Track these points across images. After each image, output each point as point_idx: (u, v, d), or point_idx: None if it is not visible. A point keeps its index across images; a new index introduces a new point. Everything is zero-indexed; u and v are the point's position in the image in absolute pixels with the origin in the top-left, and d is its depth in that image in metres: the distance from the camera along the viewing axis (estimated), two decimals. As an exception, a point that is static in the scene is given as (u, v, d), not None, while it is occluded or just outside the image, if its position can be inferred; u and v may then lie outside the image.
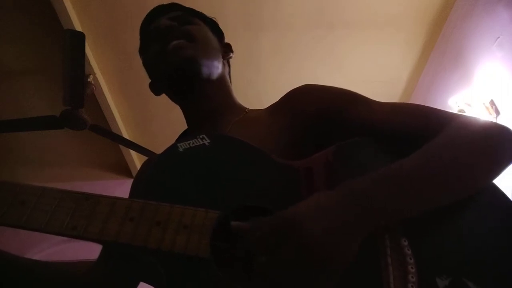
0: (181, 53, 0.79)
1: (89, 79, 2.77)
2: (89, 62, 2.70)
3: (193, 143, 0.64)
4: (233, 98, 0.90)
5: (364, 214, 0.49)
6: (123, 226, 0.52)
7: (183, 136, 0.88)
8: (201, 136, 0.64)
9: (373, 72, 3.04)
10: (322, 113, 0.73)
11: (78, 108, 2.56)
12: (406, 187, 0.53)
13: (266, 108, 0.85)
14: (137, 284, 0.77)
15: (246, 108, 0.88)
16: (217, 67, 0.85)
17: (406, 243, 0.53)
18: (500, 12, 2.19)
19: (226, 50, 0.94)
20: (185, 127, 0.91)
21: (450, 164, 0.56)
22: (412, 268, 0.51)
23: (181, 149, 0.63)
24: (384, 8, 2.64)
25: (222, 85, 0.88)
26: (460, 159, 0.57)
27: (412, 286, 0.49)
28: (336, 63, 2.98)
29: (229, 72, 0.97)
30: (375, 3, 2.61)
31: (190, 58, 0.79)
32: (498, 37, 2.20)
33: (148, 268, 0.56)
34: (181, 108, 0.91)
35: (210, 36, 0.89)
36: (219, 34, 0.95)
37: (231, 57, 0.95)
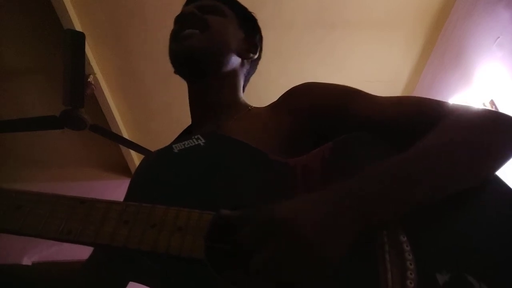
0: (187, 41, 0.81)
1: (89, 79, 2.77)
2: (89, 62, 2.70)
3: (188, 144, 0.64)
4: (238, 96, 0.89)
5: (355, 211, 0.48)
6: (117, 229, 0.52)
7: (184, 133, 0.89)
8: (196, 137, 0.64)
9: (374, 72, 3.04)
10: (321, 109, 0.73)
11: (78, 108, 2.56)
12: (398, 182, 0.51)
13: (268, 105, 0.85)
14: (127, 284, 0.78)
15: (250, 106, 0.88)
16: (225, 61, 0.85)
17: (404, 239, 0.52)
18: (500, 12, 2.19)
19: (250, 49, 0.91)
20: (185, 127, 0.91)
21: (446, 156, 0.55)
22: (410, 264, 0.50)
23: (176, 150, 0.63)
24: (384, 8, 2.63)
25: (230, 81, 0.87)
26: (458, 151, 0.55)
27: (410, 282, 0.48)
28: (337, 63, 2.97)
29: (249, 73, 0.95)
30: (375, 3, 2.61)
31: (192, 47, 0.80)
32: (498, 37, 2.20)
33: (145, 269, 0.56)
34: (188, 93, 0.90)
35: (229, 30, 0.87)
36: (250, 32, 0.93)
37: (251, 58, 0.92)
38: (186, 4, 0.93)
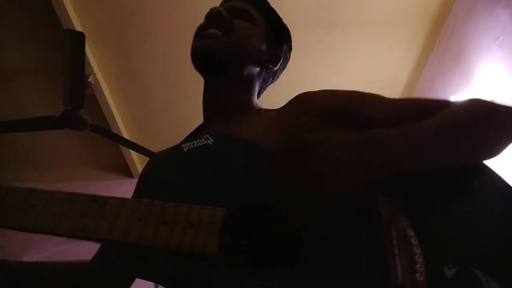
0: (207, 41, 0.82)
1: (89, 79, 2.77)
2: (89, 62, 2.70)
3: (197, 143, 0.64)
4: (251, 100, 0.90)
5: (370, 163, 0.56)
6: (130, 226, 0.53)
7: (194, 133, 0.89)
8: (205, 136, 0.65)
9: (374, 72, 3.05)
10: (329, 114, 0.73)
11: (78, 108, 2.56)
12: (405, 143, 0.59)
13: (278, 108, 0.86)
14: (132, 281, 0.78)
15: (261, 108, 0.89)
16: (241, 68, 0.86)
17: (412, 233, 0.53)
18: (500, 12, 2.20)
19: (270, 61, 0.91)
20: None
21: (450, 130, 0.60)
22: (419, 258, 0.51)
23: (185, 150, 0.64)
24: (385, 8, 2.64)
25: (245, 85, 0.88)
26: (461, 129, 0.60)
27: (420, 275, 0.49)
28: (337, 63, 2.98)
29: (267, 82, 0.96)
30: (375, 3, 2.61)
31: (211, 48, 0.81)
32: (498, 37, 2.21)
33: (153, 266, 0.56)
34: (203, 90, 0.91)
35: (253, 39, 0.87)
36: (277, 42, 0.93)
37: (270, 69, 0.92)
38: (222, 3, 0.94)
